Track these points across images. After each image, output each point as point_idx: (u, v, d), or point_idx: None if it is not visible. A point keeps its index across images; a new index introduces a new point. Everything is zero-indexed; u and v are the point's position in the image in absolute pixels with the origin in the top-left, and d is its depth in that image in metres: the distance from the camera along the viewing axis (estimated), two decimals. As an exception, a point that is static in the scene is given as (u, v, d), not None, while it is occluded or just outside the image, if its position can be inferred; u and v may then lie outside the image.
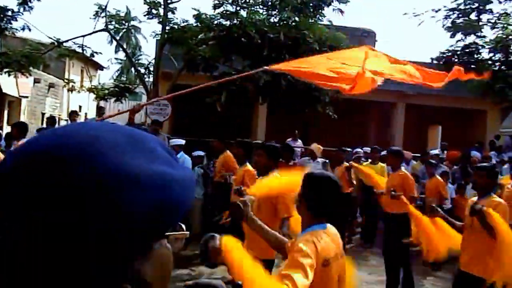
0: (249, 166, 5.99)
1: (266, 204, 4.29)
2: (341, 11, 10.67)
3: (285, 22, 10.07)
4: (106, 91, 13.70)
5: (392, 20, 56.04)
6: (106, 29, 12.23)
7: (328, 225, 2.66)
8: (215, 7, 9.80)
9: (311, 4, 10.40)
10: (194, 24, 9.82)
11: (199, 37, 9.44)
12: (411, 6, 37.97)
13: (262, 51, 9.63)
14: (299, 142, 12.41)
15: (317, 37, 10.09)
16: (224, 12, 9.78)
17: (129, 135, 0.62)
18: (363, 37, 15.56)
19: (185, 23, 10.50)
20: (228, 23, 9.70)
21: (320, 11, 10.62)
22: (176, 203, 0.61)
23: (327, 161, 9.75)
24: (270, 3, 10.03)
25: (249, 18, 9.70)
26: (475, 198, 4.57)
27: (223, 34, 9.37)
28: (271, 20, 10.16)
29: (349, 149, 10.14)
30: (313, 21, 10.44)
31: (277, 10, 10.27)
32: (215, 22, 9.77)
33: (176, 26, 10.62)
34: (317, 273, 2.31)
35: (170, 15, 10.93)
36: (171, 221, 0.63)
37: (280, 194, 4.16)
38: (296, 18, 10.14)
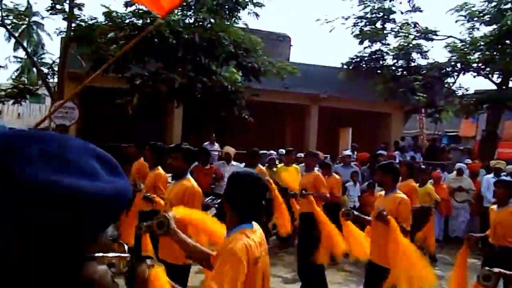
0: (160, 170, 5.99)
1: None
2: (257, 15, 10.58)
3: (200, 23, 9.81)
4: (3, 92, 12.73)
5: (306, 26, 57.65)
6: (2, 24, 11.23)
7: (254, 224, 2.64)
8: (126, 5, 9.24)
9: (226, 7, 10.19)
10: (104, 22, 9.21)
11: (109, 35, 8.83)
12: (323, 13, 39.52)
13: (177, 52, 9.30)
14: (216, 146, 12.17)
15: (233, 39, 9.97)
16: (137, 10, 9.26)
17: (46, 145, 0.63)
18: (278, 41, 15.75)
19: (93, 21, 9.88)
20: (140, 22, 9.18)
21: (236, 13, 10.44)
22: (84, 216, 0.61)
23: (241, 165, 9.66)
24: (185, 4, 9.66)
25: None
26: (382, 193, 4.89)
27: (135, 34, 8.88)
28: (186, 21, 9.82)
29: (265, 152, 10.14)
30: (228, 23, 10.26)
31: (192, 11, 9.95)
32: (127, 20, 9.22)
33: (83, 24, 9.99)
34: (248, 271, 2.34)
35: (76, 11, 10.24)
36: (82, 232, 0.64)
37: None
38: (212, 20, 9.90)
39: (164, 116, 13.23)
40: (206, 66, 9.80)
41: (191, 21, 9.86)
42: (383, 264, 4.49)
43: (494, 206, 5.64)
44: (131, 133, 10.54)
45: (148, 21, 8.99)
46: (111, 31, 8.83)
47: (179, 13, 9.67)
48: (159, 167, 6.01)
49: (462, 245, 5.16)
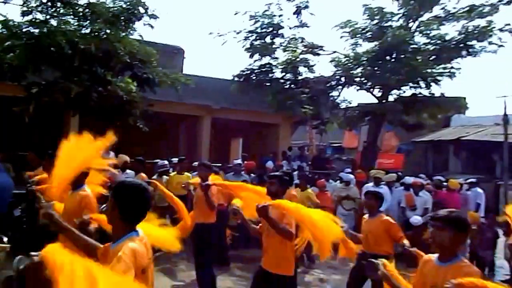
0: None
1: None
2: (151, 26, 11.03)
3: (96, 34, 10.22)
4: None
5: (200, 39, 58.56)
6: None
7: (140, 231, 2.78)
8: (23, 14, 9.62)
9: (122, 17, 10.65)
10: (0, 31, 9.53)
11: (5, 44, 9.20)
12: (216, 26, 40.20)
13: (73, 62, 9.76)
14: (112, 155, 12.66)
15: (128, 50, 10.47)
16: (33, 20, 9.70)
17: None
18: (172, 53, 16.36)
19: (-11, 29, 9.93)
20: (37, 31, 9.66)
21: (131, 25, 10.92)
22: None
23: (133, 172, 10.25)
24: (81, 14, 10.19)
25: (59, 27, 9.82)
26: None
27: (31, 42, 9.33)
28: (82, 31, 10.34)
29: (159, 162, 10.83)
30: (124, 34, 10.74)
31: (88, 22, 10.36)
32: (24, 29, 9.65)
33: (-21, 32, 9.98)
34: (138, 280, 2.41)
35: (-29, 19, 10.21)
36: None
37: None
38: (108, 31, 10.34)
39: (61, 124, 13.45)
40: (102, 76, 10.26)
41: (87, 31, 10.37)
42: (280, 272, 4.83)
43: (366, 216, 6.18)
44: (30, 142, 10.75)
45: (45, 30, 9.50)
46: (8, 40, 9.22)
47: (76, 24, 10.24)
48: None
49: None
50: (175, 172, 10.80)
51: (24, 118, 9.43)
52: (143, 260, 2.62)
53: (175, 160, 11.57)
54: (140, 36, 11.32)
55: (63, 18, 9.92)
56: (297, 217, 4.60)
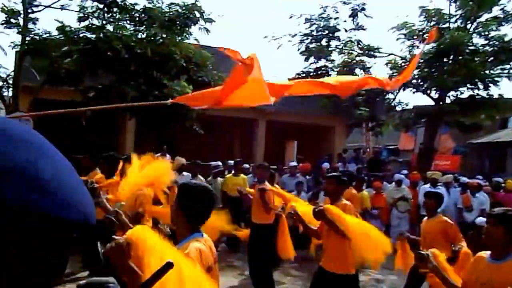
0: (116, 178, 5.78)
1: None
2: (207, 30, 10.83)
3: (152, 38, 9.96)
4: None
5: (255, 41, 58.12)
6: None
7: (204, 233, 2.72)
8: (80, 20, 9.37)
9: (177, 22, 10.36)
10: (57, 36, 9.28)
11: (63, 49, 8.93)
12: (271, 30, 39.79)
13: (129, 66, 9.48)
14: (168, 157, 12.32)
15: (184, 54, 10.14)
16: (90, 25, 9.40)
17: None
18: (228, 57, 15.83)
19: (47, 35, 9.88)
20: (93, 36, 9.35)
21: (187, 29, 10.62)
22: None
23: (189, 174, 9.85)
24: (137, 19, 9.84)
25: (116, 32, 9.47)
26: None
27: (88, 48, 9.01)
28: (139, 36, 10.01)
29: (213, 163, 10.35)
30: (180, 38, 10.44)
31: (144, 26, 10.11)
32: (80, 35, 9.36)
33: (37, 37, 9.93)
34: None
35: (30, 25, 10.19)
36: None
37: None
38: (163, 35, 10.09)
39: (117, 128, 13.27)
40: (158, 79, 9.93)
41: (143, 36, 10.05)
42: (339, 271, 4.69)
43: (425, 218, 5.86)
44: (84, 145, 10.58)
45: (101, 35, 9.18)
46: (65, 45, 8.96)
47: (132, 29, 9.90)
48: (114, 177, 5.88)
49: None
50: (230, 174, 10.21)
51: (81, 122, 9.09)
52: (209, 259, 2.56)
53: (230, 162, 11.03)
54: (196, 40, 11.03)
55: (119, 23, 9.54)
56: (346, 227, 4.46)
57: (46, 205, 0.56)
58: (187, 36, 10.77)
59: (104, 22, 9.52)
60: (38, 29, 10.40)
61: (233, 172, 10.37)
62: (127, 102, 9.45)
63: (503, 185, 11.37)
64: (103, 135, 12.43)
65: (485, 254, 3.26)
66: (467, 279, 3.29)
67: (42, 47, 9.51)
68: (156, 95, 9.84)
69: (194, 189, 2.74)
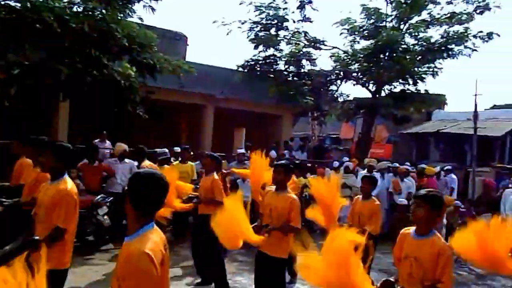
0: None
1: None
2: (153, 9, 9.21)
3: (90, 13, 8.26)
4: None
5: (203, 27, 55.45)
6: None
7: (153, 223, 2.35)
8: (3, -12, 7.48)
9: None
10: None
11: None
12: (221, 15, 38.18)
13: (63, 42, 7.75)
14: (108, 143, 10.68)
15: (126, 33, 8.53)
16: (14, -8, 7.52)
17: None
18: (174, 40, 14.38)
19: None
20: (19, 5, 7.45)
21: (130, 6, 8.97)
22: None
23: (134, 162, 8.47)
24: (73, -9, 8.10)
25: (46, 2, 7.64)
26: (272, 188, 4.75)
27: (12, 17, 7.19)
28: (74, 9, 8.22)
29: (159, 150, 8.95)
30: (122, 15, 8.80)
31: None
32: (1, 2, 7.42)
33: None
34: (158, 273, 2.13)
35: None
36: None
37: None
38: (103, 10, 8.42)
39: (49, 111, 11.33)
40: (96, 58, 8.28)
41: (80, 9, 8.30)
42: (275, 254, 4.52)
43: (360, 197, 6.06)
44: (13, 129, 8.77)
45: (28, 5, 7.32)
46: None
47: (65, 0, 8.10)
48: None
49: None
50: (177, 162, 9.09)
51: (3, 102, 7.29)
52: (160, 253, 2.21)
53: (177, 149, 9.81)
54: (140, 19, 9.37)
55: (50, -7, 7.64)
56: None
57: None
58: (129, 13, 9.11)
59: (32, -9, 7.58)
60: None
61: (180, 159, 9.17)
62: (60, 82, 7.75)
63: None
64: (33, 118, 10.49)
65: (408, 230, 3.37)
66: (398, 254, 3.37)
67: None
68: (95, 75, 8.18)
69: (145, 178, 2.33)
